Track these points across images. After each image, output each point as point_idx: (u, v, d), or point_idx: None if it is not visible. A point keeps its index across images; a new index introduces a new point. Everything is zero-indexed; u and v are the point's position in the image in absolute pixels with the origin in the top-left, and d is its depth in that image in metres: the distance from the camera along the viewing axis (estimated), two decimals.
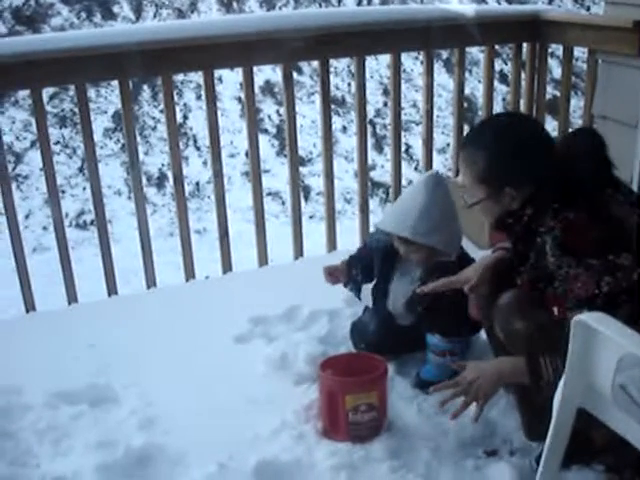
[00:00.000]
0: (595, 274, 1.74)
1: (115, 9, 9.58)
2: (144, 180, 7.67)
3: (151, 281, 3.34)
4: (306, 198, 7.32)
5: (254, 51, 3.07)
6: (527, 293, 1.99)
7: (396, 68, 3.42)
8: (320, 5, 9.99)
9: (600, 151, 1.92)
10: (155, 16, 9.63)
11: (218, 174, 3.29)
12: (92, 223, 6.86)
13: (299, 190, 3.54)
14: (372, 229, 3.46)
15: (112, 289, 3.30)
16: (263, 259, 3.48)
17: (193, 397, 2.46)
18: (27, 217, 7.07)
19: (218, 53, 3.06)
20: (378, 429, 2.24)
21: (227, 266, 3.44)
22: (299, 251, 3.54)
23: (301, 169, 7.87)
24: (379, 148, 8.24)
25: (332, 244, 3.58)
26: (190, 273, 3.39)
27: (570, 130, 2.74)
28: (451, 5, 3.47)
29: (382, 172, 7.71)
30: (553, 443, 1.68)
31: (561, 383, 1.61)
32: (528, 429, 2.12)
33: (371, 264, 2.66)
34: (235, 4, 9.80)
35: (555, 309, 1.90)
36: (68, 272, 3.21)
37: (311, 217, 6.88)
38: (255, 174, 3.36)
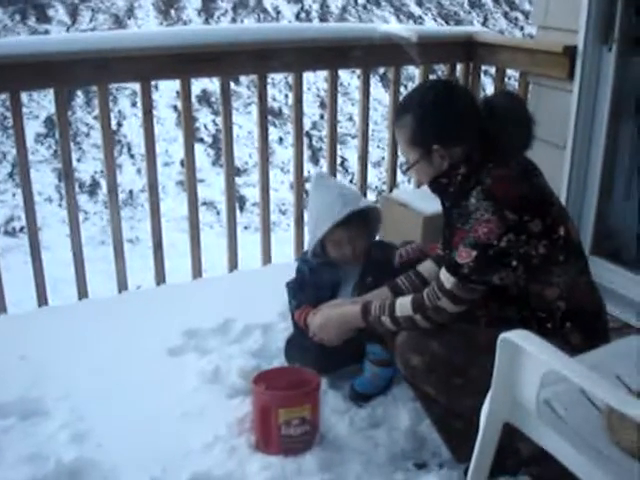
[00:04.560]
0: (503, 226, 1.85)
1: (50, 12, 9.45)
2: (76, 187, 7.58)
3: (83, 291, 3.30)
4: (241, 209, 7.33)
5: (191, 64, 3.08)
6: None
7: (333, 84, 3.47)
8: (259, 16, 10.02)
9: (523, 109, 2.07)
10: (91, 21, 9.52)
11: (153, 185, 3.28)
12: (21, 230, 6.73)
13: (234, 201, 3.54)
14: (305, 248, 3.50)
15: (42, 298, 3.24)
16: (197, 270, 3.48)
17: (125, 410, 2.43)
18: None
19: (155, 65, 3.06)
20: (310, 442, 2.26)
21: (161, 277, 3.42)
22: (234, 262, 3.55)
23: (236, 179, 7.90)
24: (315, 160, 8.30)
25: (267, 256, 3.60)
26: (122, 283, 3.35)
27: None
28: (389, 25, 3.53)
29: None
30: (480, 456, 1.73)
31: (488, 398, 1.67)
32: (455, 453, 2.17)
33: (313, 288, 2.65)
34: (173, 12, 9.76)
35: (455, 239, 1.97)
36: None
37: (246, 228, 6.89)
38: (191, 184, 3.35)
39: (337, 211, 2.51)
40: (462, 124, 2.00)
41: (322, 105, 8.89)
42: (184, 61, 3.06)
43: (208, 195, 7.33)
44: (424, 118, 2.00)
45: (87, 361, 2.71)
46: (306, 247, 2.74)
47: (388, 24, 3.37)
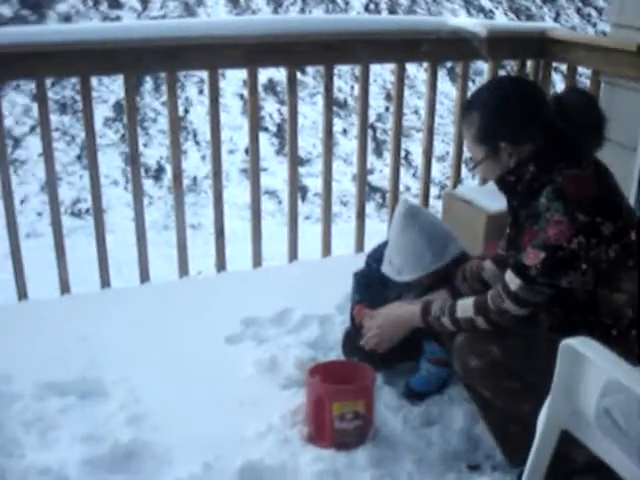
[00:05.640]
0: (574, 228, 1.80)
1: None
2: (142, 172, 7.69)
3: (145, 274, 3.35)
4: (303, 198, 7.34)
5: (259, 54, 3.09)
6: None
7: (400, 77, 3.44)
8: (327, 7, 10.00)
9: (595, 108, 2.02)
10: (162, 7, 9.63)
11: (217, 172, 3.31)
12: (87, 212, 6.85)
13: (297, 192, 3.55)
14: (368, 238, 3.48)
15: (105, 280, 3.30)
16: (257, 258, 3.49)
17: (182, 395, 2.47)
18: (22, 202, 7.05)
19: (223, 54, 3.08)
20: (363, 437, 2.25)
21: (221, 264, 3.45)
22: (294, 252, 3.55)
23: (299, 169, 7.92)
24: (378, 153, 8.26)
25: (327, 248, 3.60)
26: (184, 268, 3.40)
27: None
28: (458, 19, 3.47)
29: (380, 177, 7.72)
30: (535, 462, 1.70)
31: (546, 404, 1.63)
32: (509, 457, 2.14)
33: (378, 286, 2.63)
34: (242, 0, 9.81)
35: (525, 239, 1.93)
36: (62, 261, 3.20)
37: (307, 218, 6.88)
38: (254, 173, 3.37)
39: (426, 263, 2.43)
40: (530, 122, 1.96)
41: (388, 97, 8.84)
42: (252, 51, 3.07)
43: (271, 184, 7.35)
44: (491, 115, 1.98)
45: (146, 344, 2.76)
46: (368, 248, 2.66)
47: (457, 18, 3.32)
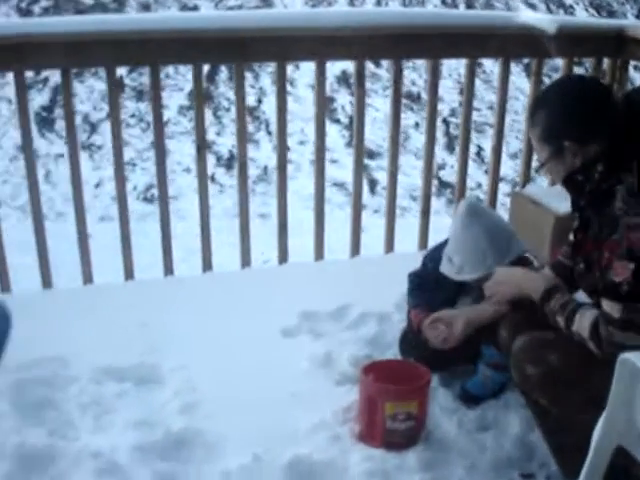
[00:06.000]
0: None
1: None
2: (214, 160, 7.77)
3: (207, 263, 3.37)
4: (372, 191, 7.30)
5: (328, 46, 3.07)
6: (540, 336, 1.97)
7: (471, 73, 3.38)
8: (404, 1, 9.91)
9: None
10: None
11: (282, 166, 3.31)
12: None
13: (361, 185, 3.52)
14: (436, 234, 3.42)
15: (169, 267, 3.34)
16: (320, 251, 3.48)
17: (236, 385, 2.48)
18: (97, 186, 7.21)
19: (293, 46, 3.07)
20: (415, 439, 2.22)
21: (283, 256, 3.46)
22: (356, 247, 3.53)
23: (370, 162, 7.88)
24: (451, 148, 8.15)
25: (390, 244, 3.56)
26: (246, 259, 3.41)
27: None
28: (528, 14, 3.37)
29: (451, 172, 7.61)
30: (589, 476, 1.65)
31: (602, 418, 1.58)
32: (564, 468, 2.07)
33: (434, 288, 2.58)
34: None
35: (606, 255, 1.81)
36: (127, 248, 3.25)
37: (376, 211, 6.84)
38: (319, 166, 3.37)
39: (488, 262, 2.37)
40: (596, 121, 1.88)
41: (462, 92, 8.71)
42: (320, 43, 3.05)
43: (340, 176, 7.33)
44: (556, 114, 1.92)
45: (204, 333, 2.78)
46: (432, 243, 2.61)
47: (529, 13, 3.21)
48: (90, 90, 8.22)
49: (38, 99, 8.37)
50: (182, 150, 7.64)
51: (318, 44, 3.07)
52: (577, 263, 2.00)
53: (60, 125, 7.57)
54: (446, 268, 2.48)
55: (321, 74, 3.20)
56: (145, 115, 8.21)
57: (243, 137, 3.27)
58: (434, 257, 2.58)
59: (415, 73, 8.83)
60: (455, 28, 3.16)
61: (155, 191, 7.28)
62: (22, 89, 2.95)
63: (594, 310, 1.85)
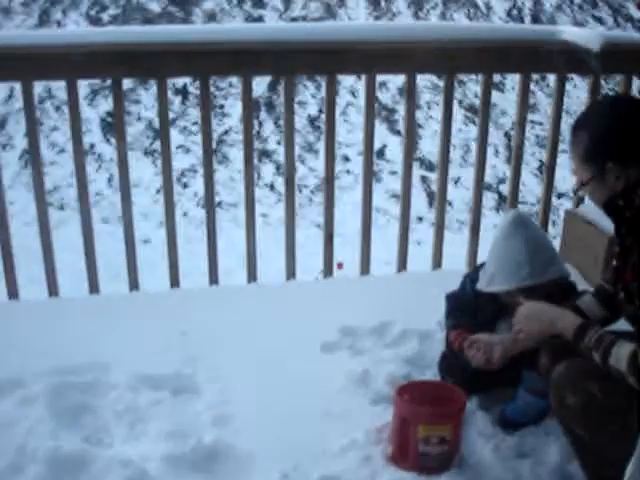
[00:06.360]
0: None
1: None
2: (273, 169, 7.81)
3: (252, 274, 3.37)
4: (430, 205, 7.22)
5: (375, 60, 3.06)
6: (580, 364, 1.89)
7: (526, 86, 3.32)
8: (469, 11, 9.80)
9: None
10: (303, 8, 9.73)
11: (329, 180, 3.30)
12: (219, 204, 7.02)
13: (409, 199, 3.48)
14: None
15: (214, 277, 3.35)
16: (365, 265, 3.45)
17: (270, 400, 2.47)
18: (158, 192, 7.31)
19: (343, 59, 3.06)
20: (448, 464, 2.17)
21: (328, 269, 3.43)
22: (403, 261, 3.48)
23: (429, 174, 7.80)
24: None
25: (437, 260, 3.51)
26: (290, 271, 3.40)
27: None
28: (571, 30, 3.21)
29: None
30: None
31: (635, 454, 1.51)
32: None
33: (472, 310, 2.52)
34: (383, 3, 9.78)
35: None
36: (173, 255, 3.28)
37: (434, 224, 6.75)
38: (367, 181, 3.35)
39: (522, 275, 2.30)
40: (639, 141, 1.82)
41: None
42: (368, 57, 3.04)
43: (399, 188, 7.28)
44: (599, 134, 1.86)
45: (243, 346, 2.77)
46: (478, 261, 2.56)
47: (574, 29, 3.08)
48: (154, 98, 8.34)
49: (104, 105, 8.54)
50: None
51: (367, 58, 3.05)
52: (617, 291, 1.92)
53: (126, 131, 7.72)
54: (480, 282, 2.42)
55: (371, 88, 3.17)
56: None
57: (290, 148, 3.26)
58: (474, 278, 2.50)
59: (478, 85, 8.73)
60: (506, 42, 3.10)
61: (217, 198, 7.39)
62: (74, 97, 3.02)
63: (632, 343, 1.78)
